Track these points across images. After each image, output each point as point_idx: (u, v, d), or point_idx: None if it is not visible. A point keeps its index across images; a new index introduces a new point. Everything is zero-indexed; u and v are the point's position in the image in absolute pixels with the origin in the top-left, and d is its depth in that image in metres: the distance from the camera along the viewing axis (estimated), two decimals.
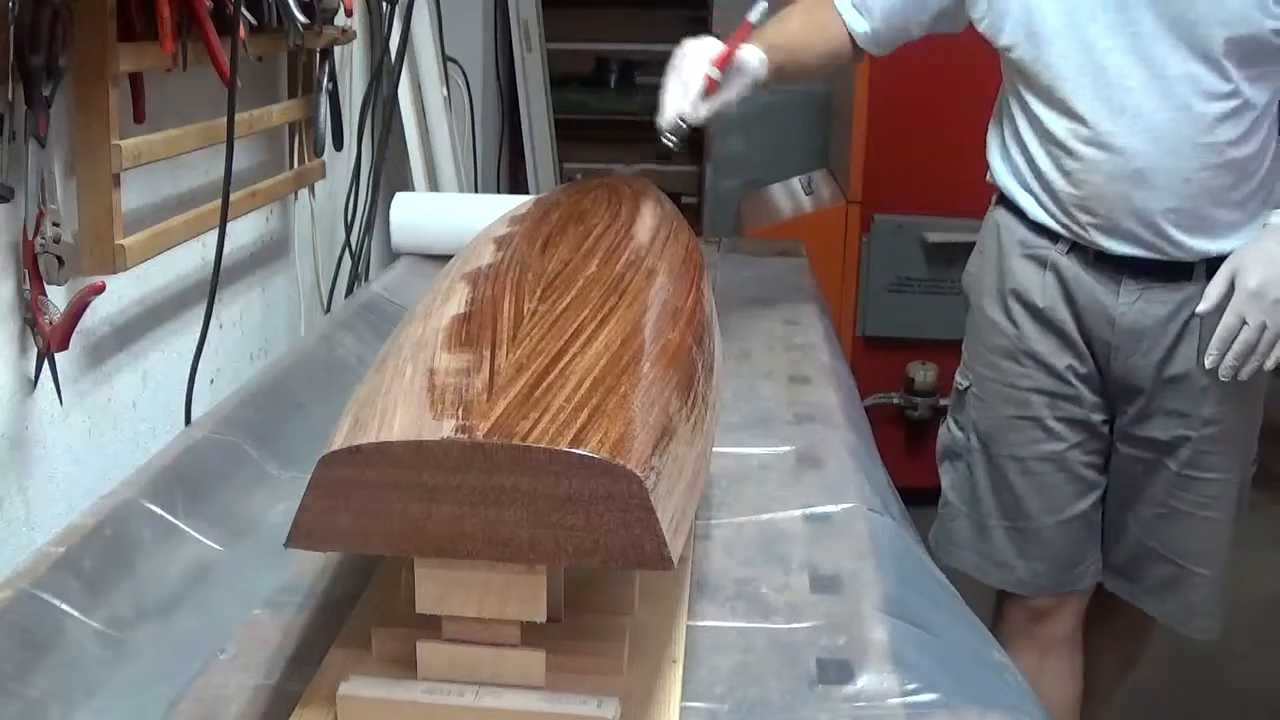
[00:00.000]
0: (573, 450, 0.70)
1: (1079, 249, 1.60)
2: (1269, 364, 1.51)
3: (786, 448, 1.34)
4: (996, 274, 1.71)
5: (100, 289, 1.30)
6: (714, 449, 1.04)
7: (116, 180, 1.32)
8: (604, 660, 0.83)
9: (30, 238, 1.22)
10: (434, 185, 2.55)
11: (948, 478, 1.81)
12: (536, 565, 0.74)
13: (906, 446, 3.18)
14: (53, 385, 1.28)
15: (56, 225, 1.23)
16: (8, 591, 0.94)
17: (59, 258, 1.24)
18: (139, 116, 1.38)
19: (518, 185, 3.54)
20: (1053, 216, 1.61)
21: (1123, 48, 1.49)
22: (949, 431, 1.80)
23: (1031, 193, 1.63)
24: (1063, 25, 1.52)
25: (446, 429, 0.72)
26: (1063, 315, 1.64)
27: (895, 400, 3.16)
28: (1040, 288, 1.64)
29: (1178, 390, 1.61)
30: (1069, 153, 1.55)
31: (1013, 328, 1.68)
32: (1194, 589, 1.70)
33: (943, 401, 3.09)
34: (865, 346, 3.18)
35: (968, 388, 1.76)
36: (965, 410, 1.76)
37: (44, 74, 1.17)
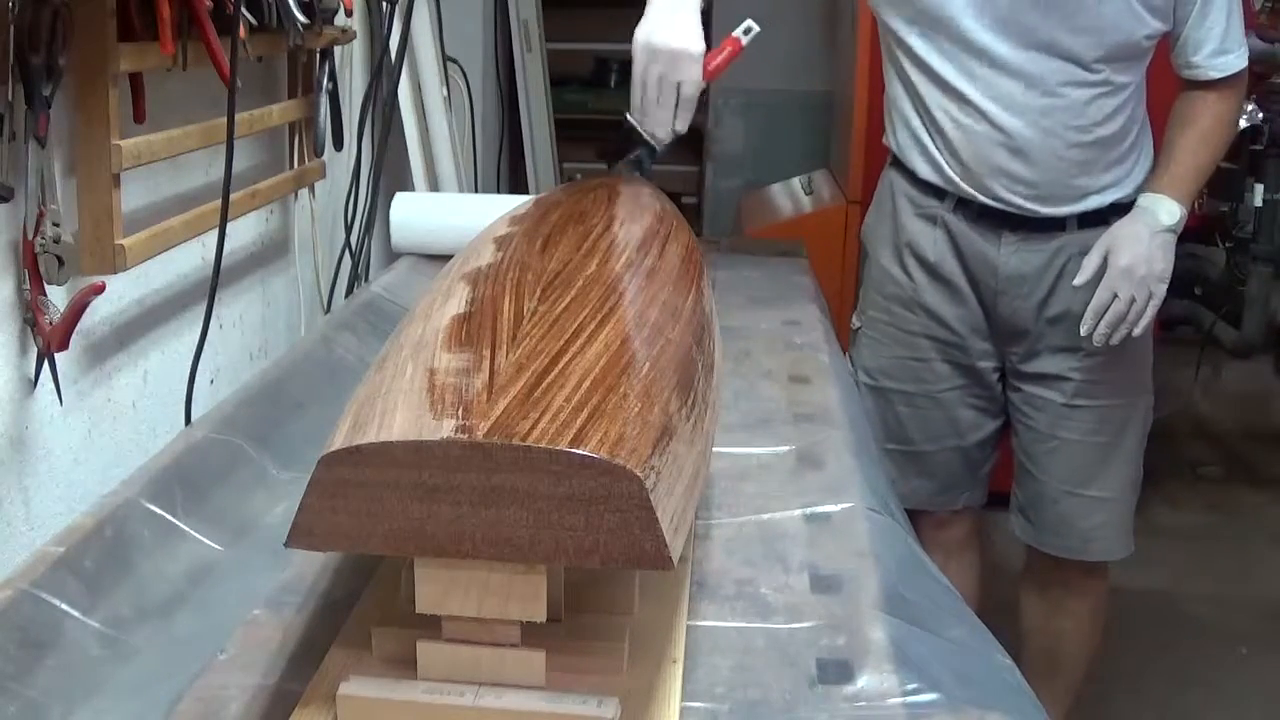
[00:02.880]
0: (573, 450, 0.70)
1: (963, 205, 1.78)
2: (1137, 330, 1.69)
3: (786, 447, 1.34)
4: (892, 229, 1.88)
5: (100, 289, 1.30)
6: (714, 449, 1.04)
7: (116, 180, 1.32)
8: (604, 660, 0.83)
9: (30, 238, 1.22)
10: (434, 185, 2.55)
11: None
12: (536, 565, 0.74)
13: None
14: (53, 385, 1.28)
15: (56, 225, 1.23)
16: (8, 591, 0.94)
17: (59, 258, 1.24)
18: (139, 116, 1.38)
19: (518, 185, 3.53)
20: (939, 174, 1.78)
21: (995, 42, 1.66)
22: (847, 368, 1.93)
23: (921, 154, 1.80)
24: (940, 8, 1.68)
25: (446, 429, 0.72)
26: (952, 268, 1.82)
27: None
28: (931, 243, 1.82)
29: (1059, 328, 1.79)
30: (955, 124, 1.73)
31: (907, 279, 1.86)
32: (1088, 514, 1.86)
33: None
34: None
35: (859, 329, 1.96)
36: (857, 348, 1.96)
37: (44, 74, 1.17)
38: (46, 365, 1.27)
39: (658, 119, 1.48)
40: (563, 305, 0.91)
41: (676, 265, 1.09)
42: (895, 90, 1.83)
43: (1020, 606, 2.01)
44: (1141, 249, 1.67)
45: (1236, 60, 1.72)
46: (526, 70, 3.42)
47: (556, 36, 3.88)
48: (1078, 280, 1.71)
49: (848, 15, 3.17)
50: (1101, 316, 1.69)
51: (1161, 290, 1.69)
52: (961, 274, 1.82)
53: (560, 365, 0.80)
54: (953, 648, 0.99)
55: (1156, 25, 1.68)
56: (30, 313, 1.24)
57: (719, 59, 1.51)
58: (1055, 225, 1.76)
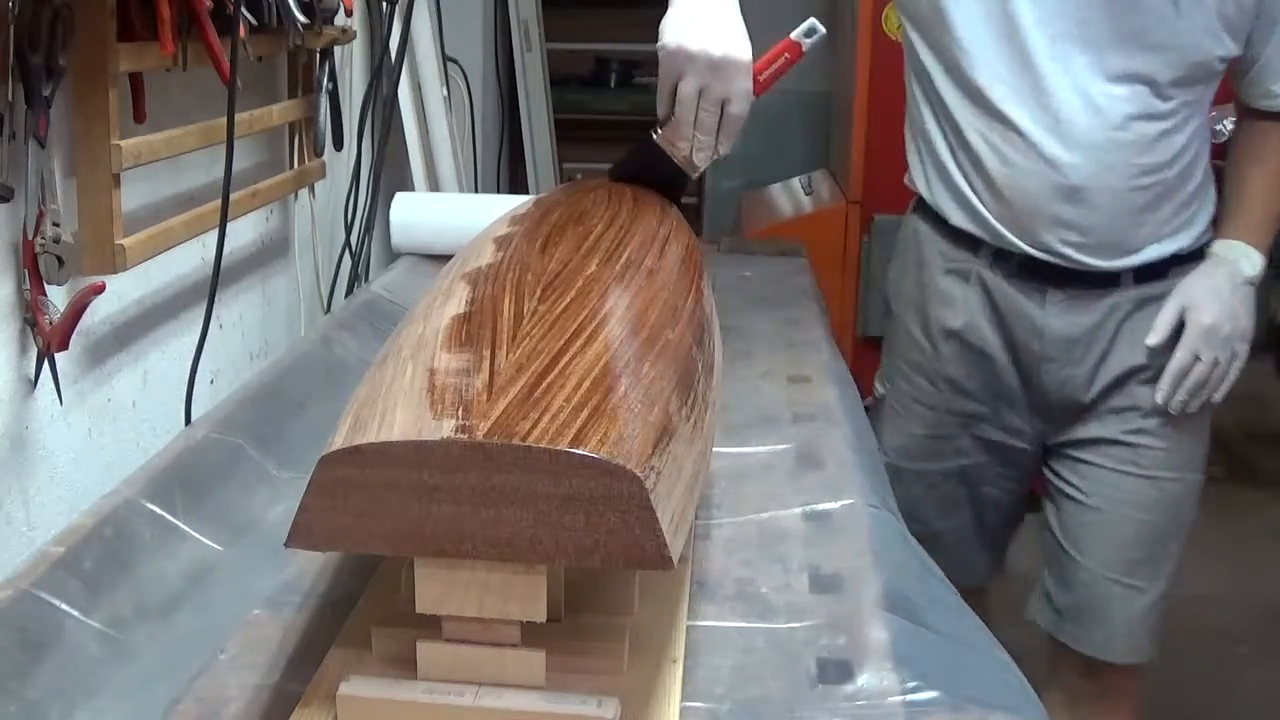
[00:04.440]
0: (573, 450, 0.70)
1: (1002, 257, 1.54)
2: (1218, 396, 1.51)
3: (786, 447, 1.34)
4: (916, 288, 1.65)
5: (100, 289, 1.30)
6: (714, 449, 1.04)
7: (116, 180, 1.32)
8: (604, 660, 0.83)
9: (30, 238, 1.22)
10: (434, 185, 2.55)
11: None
12: (536, 565, 0.74)
13: None
14: (53, 385, 1.28)
15: (56, 225, 1.23)
16: (8, 591, 0.94)
17: (59, 258, 1.24)
18: (139, 116, 1.38)
19: (518, 185, 3.53)
20: (974, 220, 1.54)
21: (1054, 62, 1.43)
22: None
23: (953, 195, 1.56)
24: (996, 22, 1.45)
25: (446, 429, 0.72)
26: (984, 334, 1.58)
27: None
28: (962, 305, 1.58)
29: (1115, 394, 1.57)
30: (1000, 158, 1.48)
31: (930, 347, 1.63)
32: (1126, 605, 1.61)
33: None
34: (865, 346, 3.18)
35: (883, 397, 1.73)
36: (880, 421, 1.71)
37: (44, 74, 1.17)
38: (46, 365, 1.27)
39: (698, 142, 1.21)
40: (563, 305, 0.91)
41: (676, 265, 1.09)
42: (921, 116, 1.58)
43: None
44: (1225, 305, 1.48)
45: None
46: (526, 70, 3.42)
47: (556, 36, 3.87)
48: (1151, 339, 1.50)
49: (848, 15, 3.17)
50: (1181, 382, 1.49)
51: (1244, 350, 1.50)
52: (998, 340, 1.58)
53: (560, 365, 0.80)
54: (953, 647, 0.99)
55: (1230, 47, 1.47)
56: (30, 313, 1.24)
57: (773, 67, 1.23)
58: (1108, 280, 1.52)
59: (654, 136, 1.22)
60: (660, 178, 1.21)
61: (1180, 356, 1.49)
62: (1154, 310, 1.54)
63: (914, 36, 1.57)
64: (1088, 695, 1.68)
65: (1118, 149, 1.45)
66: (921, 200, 1.62)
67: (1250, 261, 1.51)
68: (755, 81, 1.19)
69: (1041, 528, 1.71)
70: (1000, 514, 1.71)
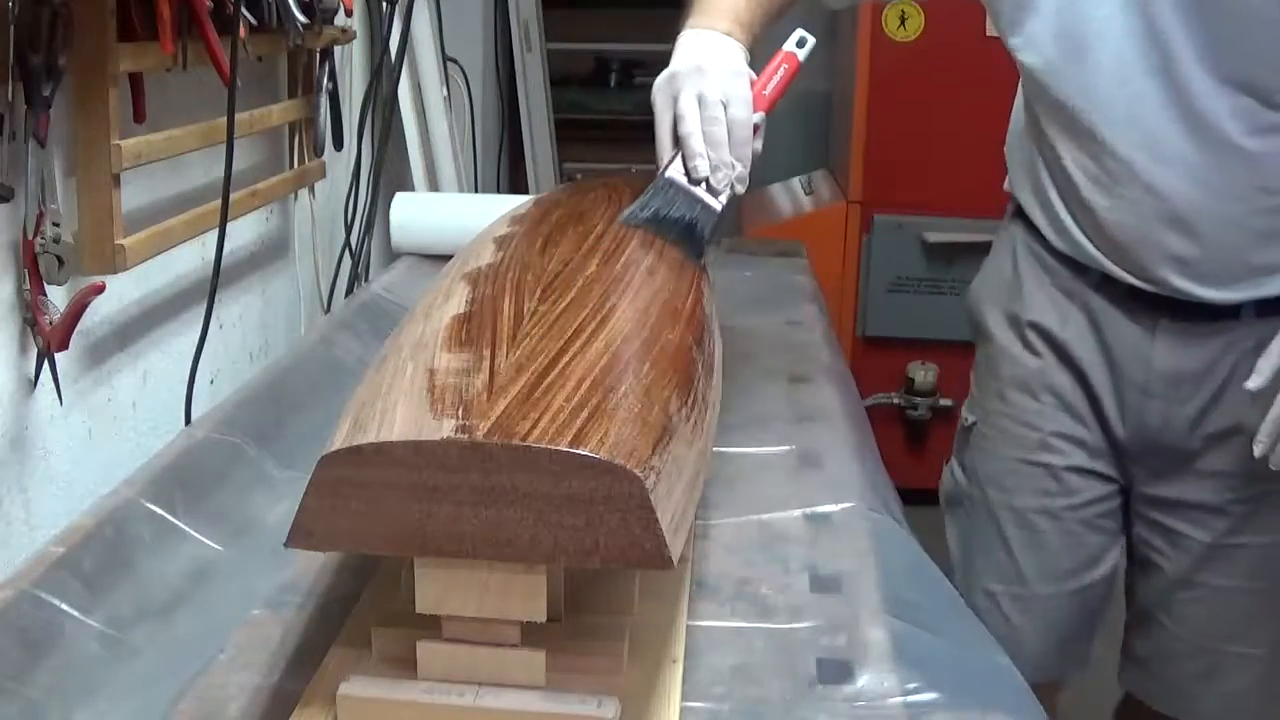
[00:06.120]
0: (573, 450, 0.70)
1: (1110, 282, 1.36)
2: None
3: (786, 447, 1.34)
4: (1010, 297, 1.47)
5: (100, 289, 1.30)
6: (714, 449, 1.04)
7: (116, 180, 1.32)
8: (604, 660, 0.83)
9: (30, 238, 1.22)
10: (434, 185, 2.55)
11: (953, 529, 1.55)
12: (536, 565, 0.74)
13: (906, 446, 3.18)
14: (53, 385, 1.28)
15: (56, 225, 1.23)
16: (8, 591, 0.94)
17: (59, 258, 1.24)
18: (139, 116, 1.38)
19: (518, 185, 3.53)
20: (1073, 247, 1.38)
21: (1147, 78, 1.24)
22: (951, 475, 1.56)
23: (1049, 219, 1.40)
24: (1092, 40, 1.25)
25: (446, 429, 0.72)
26: (1090, 356, 1.40)
27: (895, 400, 3.17)
28: (1063, 319, 1.41)
29: (1219, 448, 1.36)
30: (1099, 186, 1.31)
31: (1030, 355, 1.44)
32: (1236, 675, 1.41)
33: (943, 401, 3.11)
34: (865, 346, 3.18)
35: (974, 424, 1.51)
36: (969, 450, 1.52)
37: (44, 74, 1.17)
38: (46, 365, 1.27)
39: (712, 158, 1.13)
40: (563, 305, 0.91)
41: (676, 265, 1.09)
42: (1022, 123, 1.42)
43: None
44: None
45: None
46: (526, 70, 3.42)
47: (556, 36, 3.87)
48: (1251, 384, 1.23)
49: (848, 15, 3.17)
50: None
51: None
52: (1102, 364, 1.39)
53: (560, 365, 0.80)
54: (953, 648, 0.99)
55: None
56: (30, 313, 1.24)
57: (774, 81, 1.20)
58: (1227, 313, 1.32)
59: (666, 173, 1.14)
60: (683, 219, 1.12)
61: None
62: None
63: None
64: None
65: (1229, 169, 1.25)
66: (1019, 207, 1.46)
67: None
68: (759, 97, 1.17)
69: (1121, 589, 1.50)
70: (1102, 569, 1.45)
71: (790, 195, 3.54)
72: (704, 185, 1.14)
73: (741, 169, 1.16)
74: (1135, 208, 1.29)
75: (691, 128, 1.14)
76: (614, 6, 4.33)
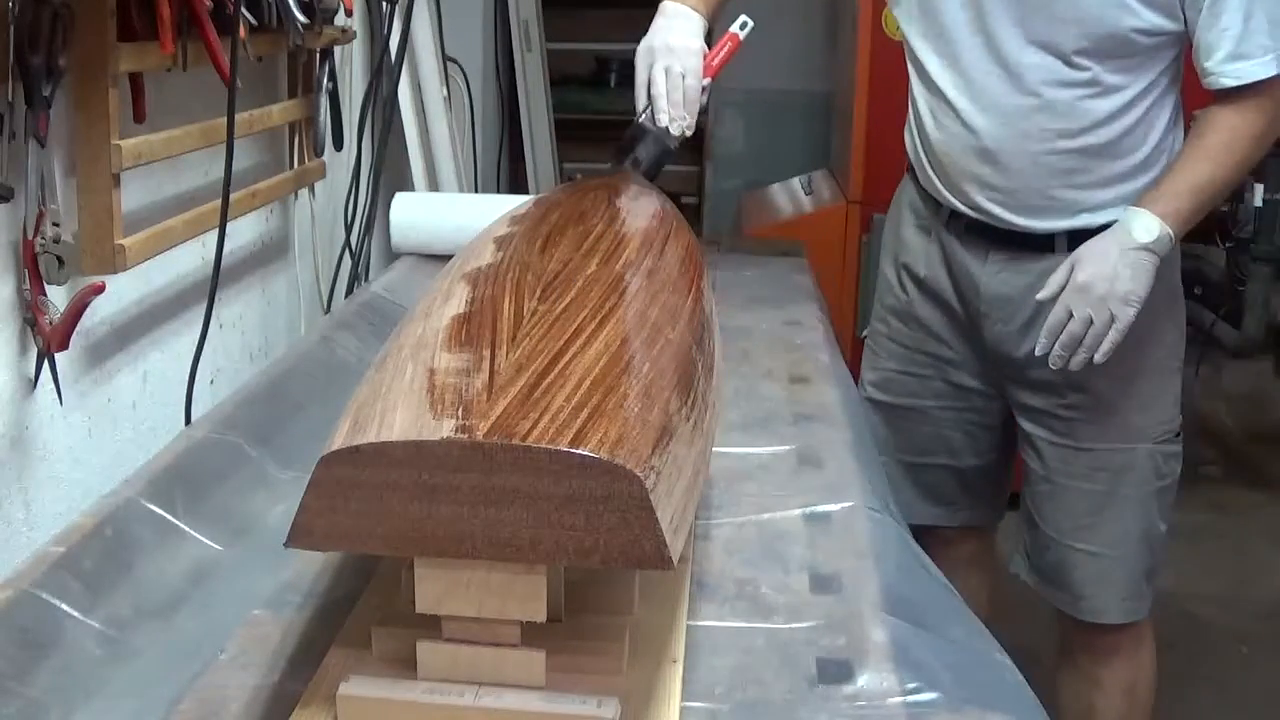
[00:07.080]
0: (573, 450, 0.70)
1: (955, 218, 1.70)
2: (1098, 357, 1.52)
3: (786, 447, 1.34)
4: (894, 238, 1.84)
5: (100, 289, 1.30)
6: (714, 449, 1.04)
7: (116, 180, 1.32)
8: (604, 660, 0.83)
9: (30, 238, 1.22)
10: (434, 185, 2.55)
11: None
12: (536, 565, 0.74)
13: None
14: (53, 385, 1.28)
15: (56, 225, 1.23)
16: (8, 591, 0.94)
17: (59, 258, 1.24)
18: (139, 116, 1.38)
19: (518, 185, 3.53)
20: (929, 181, 1.71)
21: (973, 36, 1.58)
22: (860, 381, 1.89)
23: (916, 159, 1.74)
24: (939, 4, 1.60)
25: (446, 429, 0.72)
26: (943, 284, 1.75)
27: None
28: (924, 256, 1.76)
29: (1040, 361, 1.59)
30: (935, 121, 1.66)
31: (903, 293, 1.81)
32: (1076, 567, 1.72)
33: None
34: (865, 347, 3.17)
35: (865, 338, 1.93)
36: (864, 360, 1.91)
37: (44, 74, 1.17)
38: (46, 365, 1.27)
39: (670, 114, 1.51)
40: (563, 305, 0.91)
41: (676, 265, 1.09)
42: (910, 92, 1.76)
43: (1057, 683, 1.82)
44: (1105, 266, 1.49)
45: (1257, 68, 1.48)
46: (526, 70, 3.42)
47: (556, 36, 3.88)
48: (1041, 294, 1.55)
49: (848, 15, 3.17)
50: (1057, 336, 1.52)
51: (1126, 313, 1.49)
52: (952, 291, 1.73)
53: (560, 365, 0.80)
54: (953, 647, 0.99)
55: (1153, 20, 1.50)
56: (30, 313, 1.24)
57: (719, 55, 1.57)
58: (1044, 245, 1.62)
59: (640, 120, 1.55)
60: (651, 152, 1.52)
61: (1055, 311, 1.53)
62: None
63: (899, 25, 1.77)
64: (1078, 645, 1.80)
65: (1031, 114, 1.57)
66: (909, 162, 1.81)
67: (1145, 228, 1.51)
68: (709, 67, 1.55)
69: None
70: (972, 459, 1.83)
71: (790, 195, 3.54)
72: (666, 130, 1.53)
73: (690, 120, 1.54)
74: (956, 140, 1.63)
75: (659, 91, 1.52)
76: (614, 6, 4.33)
